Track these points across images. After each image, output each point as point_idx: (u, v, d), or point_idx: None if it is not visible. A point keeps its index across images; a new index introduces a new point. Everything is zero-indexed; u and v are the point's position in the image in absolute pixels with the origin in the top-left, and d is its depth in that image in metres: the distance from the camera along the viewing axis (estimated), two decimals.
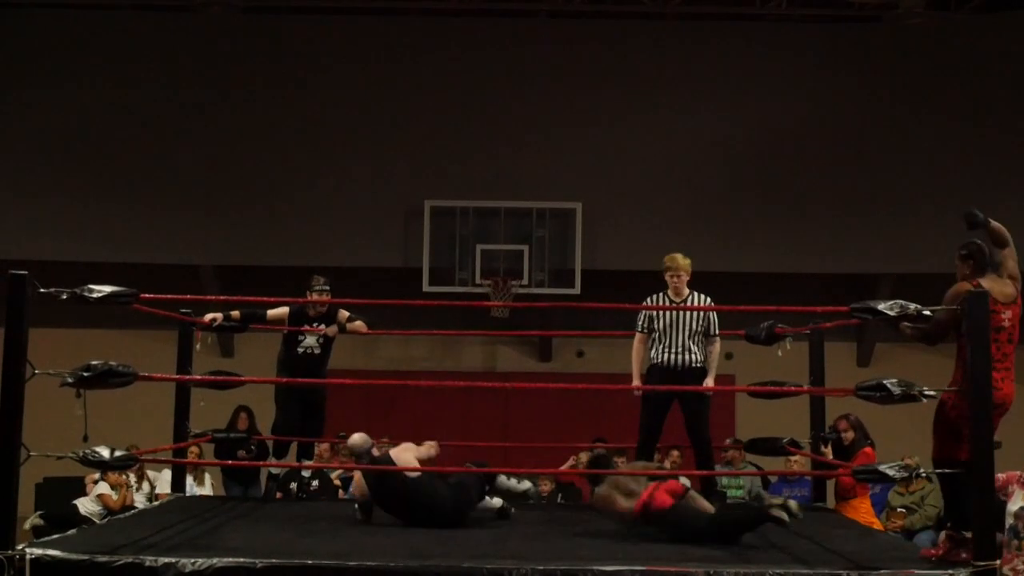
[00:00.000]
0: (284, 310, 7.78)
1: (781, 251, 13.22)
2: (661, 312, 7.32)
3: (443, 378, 13.56)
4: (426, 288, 12.73)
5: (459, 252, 12.86)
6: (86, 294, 5.60)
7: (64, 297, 5.52)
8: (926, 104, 13.30)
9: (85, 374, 5.45)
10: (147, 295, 5.89)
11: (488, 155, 13.36)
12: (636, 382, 7.35)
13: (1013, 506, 9.14)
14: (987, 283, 5.57)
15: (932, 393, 5.48)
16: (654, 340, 7.34)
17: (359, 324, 7.78)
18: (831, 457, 7.69)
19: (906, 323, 5.80)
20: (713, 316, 7.30)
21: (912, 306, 5.56)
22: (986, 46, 13.40)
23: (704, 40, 13.62)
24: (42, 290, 5.38)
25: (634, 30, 13.68)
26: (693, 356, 7.26)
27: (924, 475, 5.79)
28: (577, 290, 12.77)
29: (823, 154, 13.36)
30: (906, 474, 5.62)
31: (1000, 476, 7.62)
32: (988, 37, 13.42)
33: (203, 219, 13.24)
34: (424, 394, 13.05)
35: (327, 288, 7.70)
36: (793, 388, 7.58)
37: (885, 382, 5.48)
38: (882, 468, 5.62)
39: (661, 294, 7.39)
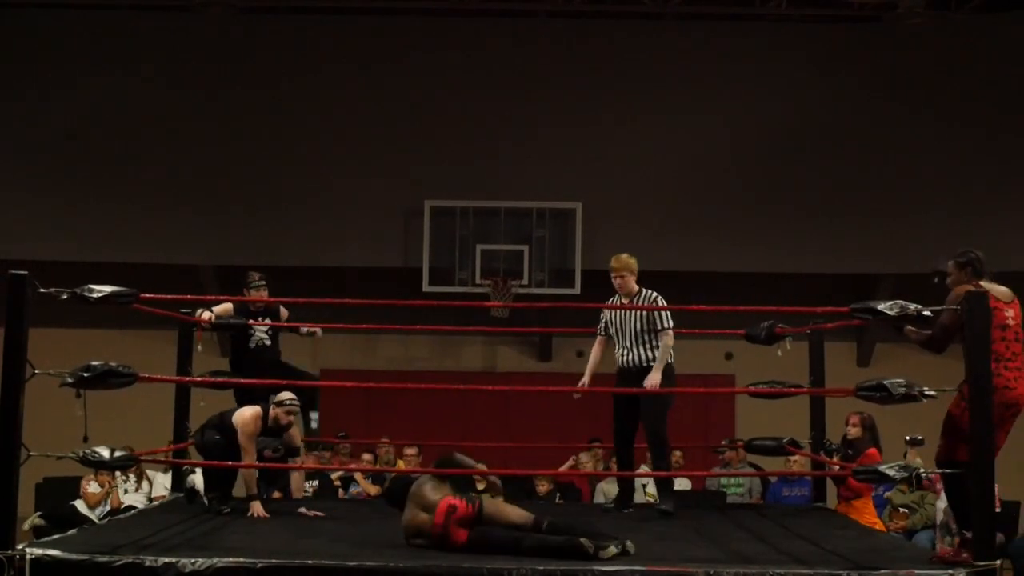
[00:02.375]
0: (228, 306, 7.94)
1: (781, 251, 13.22)
2: (613, 315, 7.31)
3: (443, 378, 13.55)
4: (426, 288, 12.73)
5: (459, 252, 12.86)
6: (86, 294, 5.60)
7: (64, 297, 5.52)
8: (926, 104, 13.29)
9: (85, 374, 5.45)
10: (147, 295, 5.90)
11: (488, 155, 13.35)
12: (584, 381, 7.38)
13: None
14: (986, 284, 5.60)
15: (932, 393, 5.47)
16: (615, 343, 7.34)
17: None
18: (839, 466, 7.67)
19: (911, 328, 5.79)
20: (659, 312, 7.14)
21: (912, 306, 5.55)
22: (986, 46, 13.40)
23: (704, 40, 13.62)
24: (42, 290, 5.38)
25: (634, 30, 13.68)
26: (643, 355, 7.15)
27: (924, 475, 5.78)
28: (577, 290, 12.77)
29: (823, 154, 13.36)
30: (906, 475, 5.62)
31: None
32: (988, 37, 13.42)
33: (203, 219, 13.24)
34: (424, 394, 13.04)
35: (263, 283, 7.89)
36: (793, 389, 7.58)
37: (885, 382, 5.48)
38: (882, 468, 5.62)
39: (616, 296, 7.37)
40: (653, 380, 7.05)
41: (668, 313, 7.14)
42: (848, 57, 13.47)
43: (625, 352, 7.21)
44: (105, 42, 13.45)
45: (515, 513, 5.74)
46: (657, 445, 7.25)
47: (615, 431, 7.40)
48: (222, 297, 7.85)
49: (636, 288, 7.27)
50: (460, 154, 13.36)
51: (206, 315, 7.75)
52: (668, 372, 7.16)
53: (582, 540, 5.38)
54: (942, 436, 5.62)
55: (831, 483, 8.37)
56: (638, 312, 7.16)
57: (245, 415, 7.02)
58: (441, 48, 13.59)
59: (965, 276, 5.68)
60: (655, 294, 7.23)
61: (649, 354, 7.15)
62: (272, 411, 7.06)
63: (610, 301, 7.41)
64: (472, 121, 13.44)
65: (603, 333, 7.43)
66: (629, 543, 5.52)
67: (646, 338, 7.16)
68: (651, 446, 7.32)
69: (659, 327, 7.13)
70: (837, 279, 13.42)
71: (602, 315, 7.46)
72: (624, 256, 7.32)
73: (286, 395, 7.14)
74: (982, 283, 5.60)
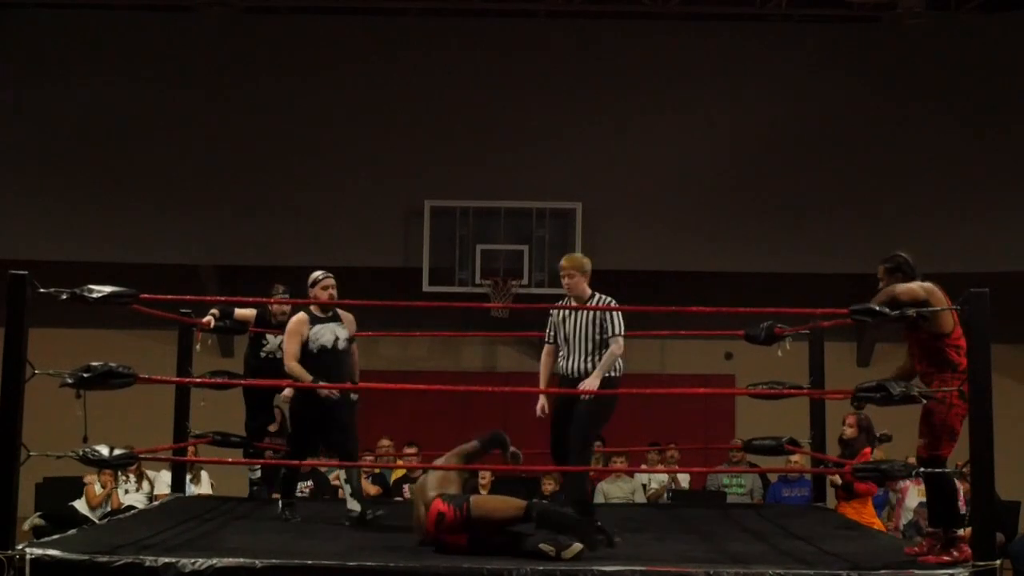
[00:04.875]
0: (252, 312, 7.99)
1: (781, 251, 13.21)
2: (564, 321, 6.71)
3: (443, 378, 13.53)
4: (426, 288, 12.73)
5: (459, 252, 12.86)
6: (86, 294, 5.61)
7: (64, 297, 5.53)
8: (926, 104, 13.29)
9: (85, 374, 5.46)
10: (147, 295, 5.90)
11: (488, 155, 13.35)
12: (541, 402, 6.73)
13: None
14: (928, 285, 5.61)
15: (932, 395, 5.47)
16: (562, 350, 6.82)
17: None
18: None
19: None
20: (611, 317, 6.56)
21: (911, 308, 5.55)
22: (986, 46, 13.39)
23: (704, 40, 13.61)
24: (42, 290, 5.39)
25: (634, 30, 13.68)
26: (591, 363, 6.58)
27: (923, 475, 5.78)
28: None
29: (823, 154, 13.35)
30: (905, 473, 5.62)
31: None
32: (988, 37, 13.42)
33: (203, 219, 13.24)
34: (424, 394, 13.01)
35: (287, 296, 7.98)
36: (793, 390, 7.57)
37: (885, 383, 5.48)
38: (881, 467, 5.63)
39: (566, 298, 6.78)
40: (590, 384, 6.50)
41: (621, 319, 6.60)
42: (848, 57, 13.47)
43: (572, 358, 6.67)
44: (105, 42, 13.45)
45: (506, 506, 5.69)
46: (579, 452, 6.62)
47: (552, 442, 6.76)
48: (232, 299, 7.85)
49: (588, 292, 6.68)
50: (460, 154, 13.36)
51: (207, 318, 7.78)
52: (612, 384, 6.61)
53: (541, 545, 5.36)
54: (923, 433, 5.56)
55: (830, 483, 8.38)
56: (590, 318, 6.60)
57: (290, 324, 6.86)
58: (441, 48, 13.59)
59: (895, 280, 5.68)
60: (610, 299, 6.67)
61: (595, 362, 6.59)
62: (310, 294, 6.85)
63: (561, 302, 6.84)
64: (472, 121, 13.44)
65: (551, 341, 6.85)
66: (617, 538, 5.49)
67: (596, 346, 6.61)
68: (573, 450, 6.61)
69: (610, 333, 6.57)
70: (837, 279, 13.41)
71: (551, 320, 6.85)
72: (577, 255, 6.89)
73: (317, 273, 6.97)
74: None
